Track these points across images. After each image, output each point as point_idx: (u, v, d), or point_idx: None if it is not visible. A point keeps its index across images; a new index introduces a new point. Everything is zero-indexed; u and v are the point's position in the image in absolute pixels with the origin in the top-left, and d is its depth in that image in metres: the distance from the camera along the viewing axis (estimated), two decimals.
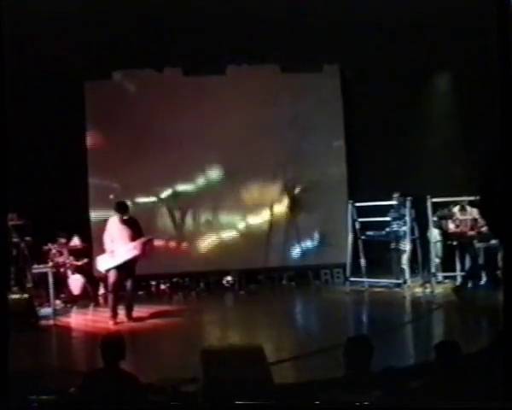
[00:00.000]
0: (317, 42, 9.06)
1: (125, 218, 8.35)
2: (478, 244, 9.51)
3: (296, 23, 8.31)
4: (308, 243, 11.23)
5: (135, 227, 8.40)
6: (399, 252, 9.76)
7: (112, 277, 8.29)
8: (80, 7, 7.46)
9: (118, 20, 8.04)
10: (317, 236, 11.19)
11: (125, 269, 8.28)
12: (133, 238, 8.28)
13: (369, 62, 9.96)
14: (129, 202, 10.66)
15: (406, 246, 9.57)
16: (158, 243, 10.93)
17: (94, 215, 10.75)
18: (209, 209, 11.14)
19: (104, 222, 8.92)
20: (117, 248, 8.25)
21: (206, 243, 11.17)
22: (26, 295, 8.03)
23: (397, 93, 10.45)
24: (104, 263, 8.40)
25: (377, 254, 10.13)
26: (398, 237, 9.69)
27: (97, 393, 3.93)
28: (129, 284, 8.36)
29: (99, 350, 4.22)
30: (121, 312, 8.37)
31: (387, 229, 9.77)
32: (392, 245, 9.80)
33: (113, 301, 8.31)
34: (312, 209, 11.01)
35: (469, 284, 9.23)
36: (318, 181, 11.10)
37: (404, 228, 9.60)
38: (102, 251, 8.61)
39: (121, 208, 8.41)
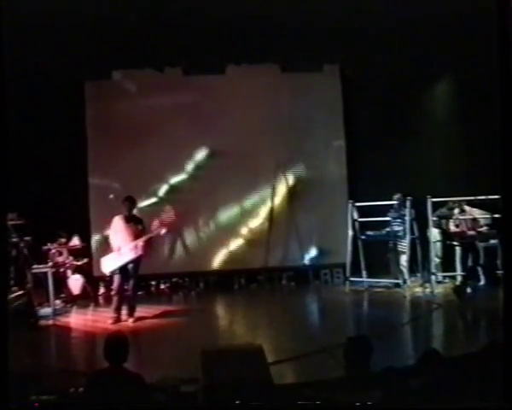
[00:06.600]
0: (317, 42, 9.05)
1: (129, 215, 8.31)
2: (477, 244, 9.52)
3: (296, 23, 8.30)
4: (308, 243, 11.21)
5: (140, 225, 8.36)
6: (399, 252, 9.76)
7: (116, 279, 8.28)
8: (80, 7, 7.45)
9: (118, 19, 8.04)
10: (316, 236, 11.17)
11: (127, 270, 8.26)
12: (137, 237, 8.24)
13: (369, 62, 9.96)
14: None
15: (406, 246, 9.58)
16: (158, 242, 10.99)
17: (94, 215, 10.74)
18: (209, 209, 11.15)
19: (104, 222, 8.90)
20: (122, 247, 8.22)
21: (206, 243, 11.16)
22: (25, 295, 8.02)
23: (397, 93, 10.45)
24: (109, 265, 8.33)
25: (377, 254, 10.12)
26: (397, 237, 9.70)
27: (98, 393, 3.93)
28: (131, 284, 8.31)
29: (99, 350, 4.22)
30: (122, 312, 8.35)
31: (387, 229, 9.77)
32: (392, 245, 9.80)
33: (117, 303, 8.27)
34: (312, 209, 11.01)
35: (469, 284, 9.22)
36: (318, 181, 11.11)
37: (403, 228, 9.60)
38: (102, 251, 8.59)
39: (130, 201, 8.37)
